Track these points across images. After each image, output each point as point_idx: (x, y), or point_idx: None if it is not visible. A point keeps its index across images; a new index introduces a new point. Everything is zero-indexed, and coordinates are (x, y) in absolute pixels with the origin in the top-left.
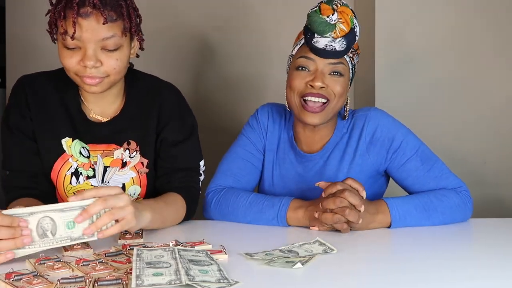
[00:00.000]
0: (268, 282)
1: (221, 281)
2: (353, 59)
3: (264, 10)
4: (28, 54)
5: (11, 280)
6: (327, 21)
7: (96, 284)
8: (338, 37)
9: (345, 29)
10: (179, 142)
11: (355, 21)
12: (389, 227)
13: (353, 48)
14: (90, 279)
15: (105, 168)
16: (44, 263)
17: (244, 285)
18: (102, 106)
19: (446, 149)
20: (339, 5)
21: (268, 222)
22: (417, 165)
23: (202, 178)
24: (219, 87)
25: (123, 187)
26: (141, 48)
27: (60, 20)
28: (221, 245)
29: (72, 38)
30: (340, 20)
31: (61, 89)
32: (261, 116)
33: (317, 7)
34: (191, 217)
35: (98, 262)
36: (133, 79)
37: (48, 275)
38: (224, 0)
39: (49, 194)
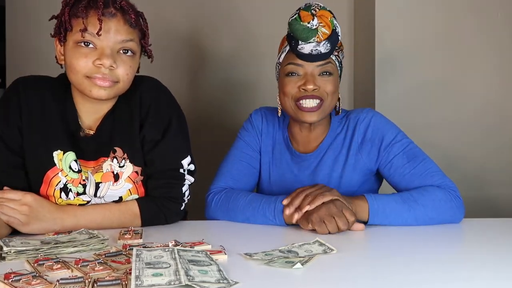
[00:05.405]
0: (268, 282)
1: (221, 281)
2: (338, 56)
3: (258, 17)
4: (28, 53)
5: (10, 281)
6: (308, 27)
7: (95, 285)
8: (321, 41)
9: (327, 32)
10: (157, 141)
11: (335, 22)
12: (367, 221)
13: (337, 46)
14: (89, 280)
15: (97, 184)
16: (43, 264)
17: (243, 285)
18: (94, 118)
19: (445, 149)
20: (317, 10)
21: (266, 220)
22: (403, 162)
23: (189, 180)
24: (215, 88)
25: (120, 199)
26: (152, 58)
27: (82, 18)
28: (220, 245)
29: (98, 34)
30: (321, 24)
31: (59, 99)
32: (255, 119)
33: (297, 15)
34: (160, 223)
35: (97, 263)
36: None
37: (47, 275)
38: (217, 6)
39: None
